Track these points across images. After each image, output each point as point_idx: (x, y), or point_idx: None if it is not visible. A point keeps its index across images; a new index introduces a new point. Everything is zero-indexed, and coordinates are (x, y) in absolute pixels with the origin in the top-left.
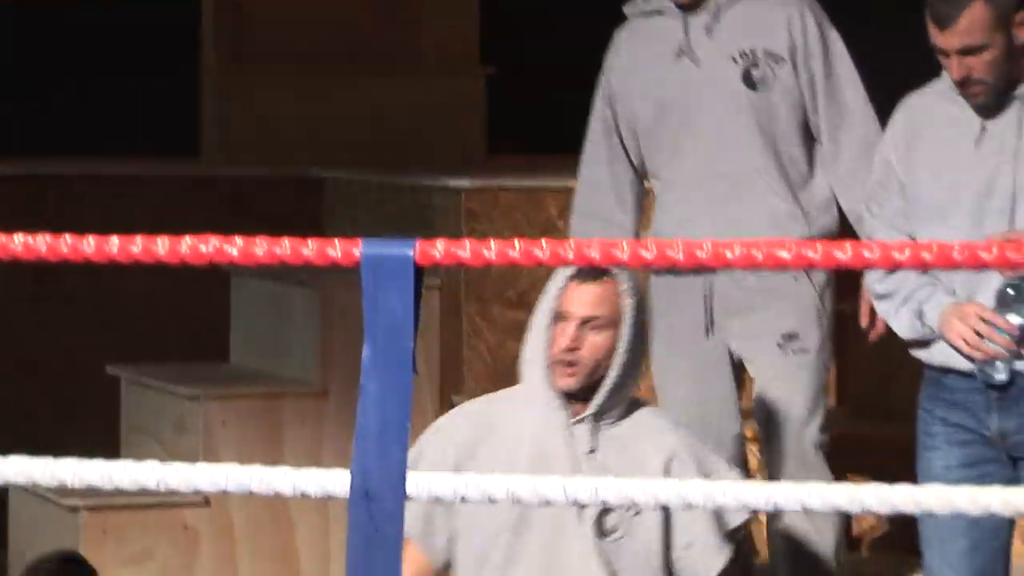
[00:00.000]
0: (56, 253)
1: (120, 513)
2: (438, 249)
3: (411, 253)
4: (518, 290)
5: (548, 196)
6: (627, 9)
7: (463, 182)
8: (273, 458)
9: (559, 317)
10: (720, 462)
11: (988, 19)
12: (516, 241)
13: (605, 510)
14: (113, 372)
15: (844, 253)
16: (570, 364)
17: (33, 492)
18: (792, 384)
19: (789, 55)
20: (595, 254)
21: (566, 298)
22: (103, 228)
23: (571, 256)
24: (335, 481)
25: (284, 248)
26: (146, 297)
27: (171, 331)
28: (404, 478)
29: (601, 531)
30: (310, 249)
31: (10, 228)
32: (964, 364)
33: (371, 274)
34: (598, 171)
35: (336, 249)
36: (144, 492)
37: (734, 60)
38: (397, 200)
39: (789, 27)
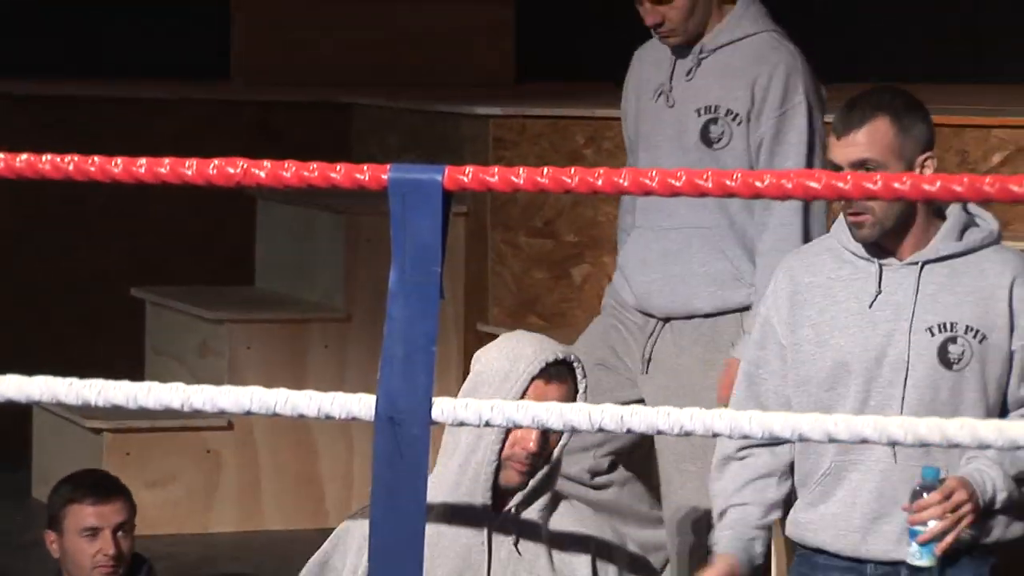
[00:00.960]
0: (84, 173)
1: (143, 436)
2: (466, 174)
3: (439, 178)
4: (544, 218)
5: (575, 125)
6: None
7: (491, 109)
8: (297, 383)
9: None
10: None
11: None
12: (545, 168)
13: None
14: (138, 295)
15: (874, 184)
16: (526, 463)
17: (57, 413)
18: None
19: (746, 113)
20: (625, 182)
21: (533, 397)
22: (131, 150)
23: (600, 183)
24: (360, 405)
25: (312, 172)
26: (172, 221)
27: (196, 255)
28: (430, 403)
29: None
30: (338, 173)
31: (39, 148)
32: (837, 545)
33: (399, 198)
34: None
35: (364, 173)
36: (168, 414)
37: (698, 113)
38: (424, 127)
39: (755, 85)
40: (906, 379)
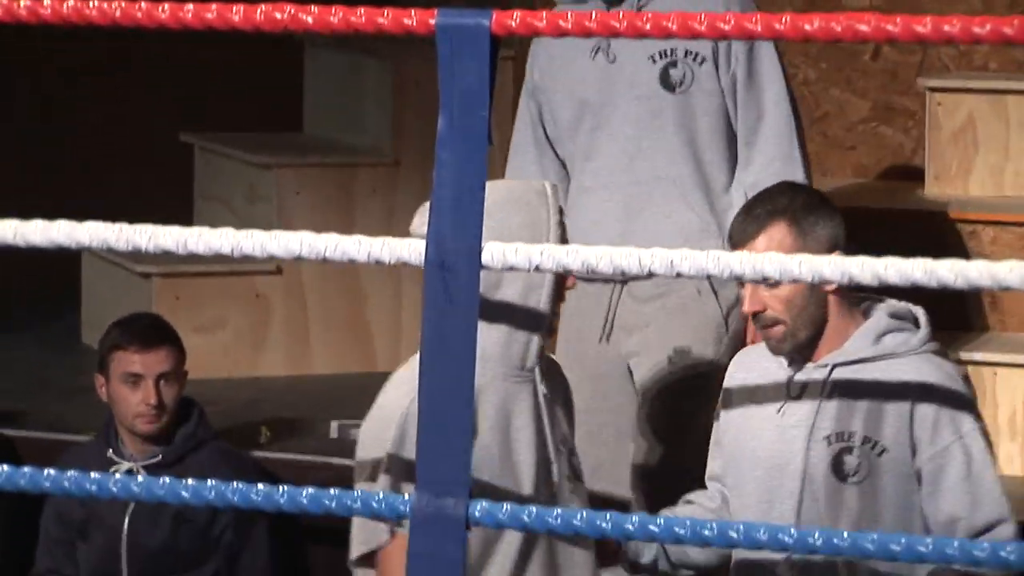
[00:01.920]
0: (131, 19)
1: (192, 280)
2: (514, 19)
3: (487, 23)
4: None
5: None
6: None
7: None
8: (345, 228)
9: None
10: None
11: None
12: (593, 12)
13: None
14: (186, 140)
15: (924, 27)
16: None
17: (106, 259)
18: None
19: (711, 54)
20: (674, 27)
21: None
22: None
23: (648, 27)
24: (410, 250)
25: (359, 17)
26: (220, 66)
27: (245, 100)
28: (480, 248)
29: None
30: (385, 18)
31: None
32: None
33: (447, 43)
34: (526, 163)
35: (412, 18)
36: (217, 258)
37: (652, 60)
38: None
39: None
40: (802, 490)
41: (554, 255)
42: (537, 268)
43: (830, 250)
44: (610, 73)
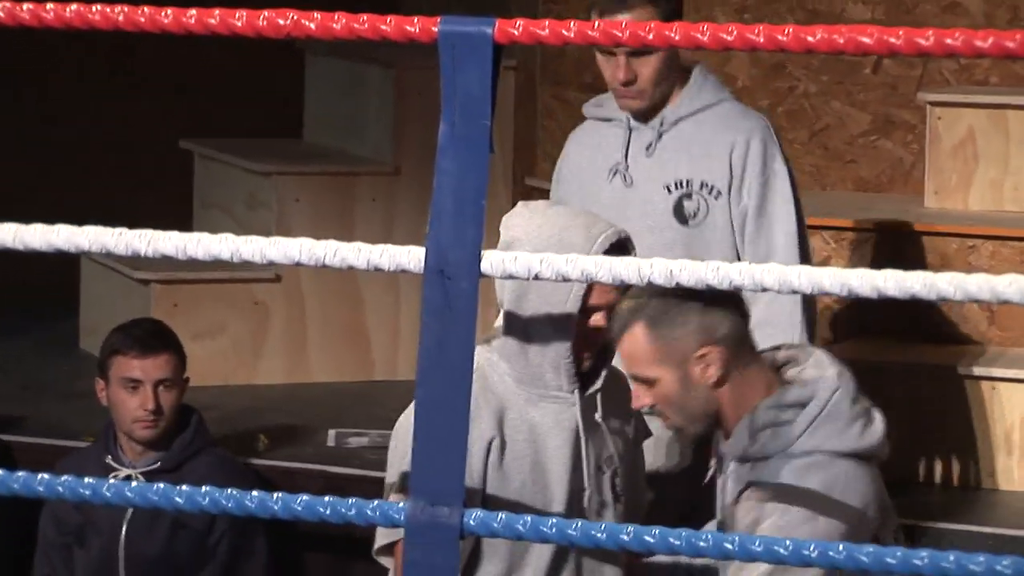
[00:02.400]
0: (134, 24)
1: (191, 287)
2: (517, 28)
3: (490, 31)
4: (594, 73)
5: None
6: (585, 109)
7: None
8: (345, 236)
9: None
10: None
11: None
12: (596, 21)
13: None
14: (187, 146)
15: (927, 40)
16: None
17: (105, 264)
18: None
19: (727, 186)
20: (676, 36)
21: (595, 297)
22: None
23: (651, 37)
24: (410, 257)
25: (362, 24)
26: (221, 73)
27: (245, 107)
28: (479, 256)
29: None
30: (388, 25)
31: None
32: None
33: (449, 51)
34: None
35: (415, 26)
36: (216, 265)
37: (667, 189)
38: None
39: (731, 156)
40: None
41: (553, 264)
42: (536, 276)
43: (701, 345)
44: (626, 197)
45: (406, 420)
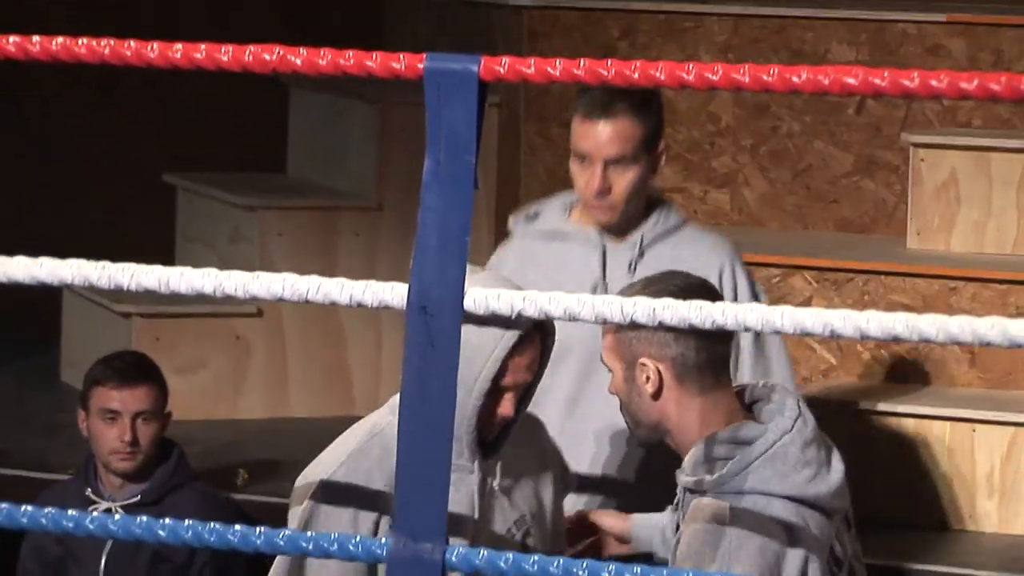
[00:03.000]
0: (120, 57)
1: (173, 321)
2: (503, 65)
3: (476, 68)
4: None
5: (608, 17)
6: (519, 224)
7: (524, 0)
8: (327, 271)
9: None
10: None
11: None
12: (581, 60)
13: None
14: (170, 180)
15: (911, 82)
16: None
17: (87, 297)
18: None
19: None
20: (662, 76)
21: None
22: (156, 31)
23: (636, 76)
24: (393, 294)
25: (348, 60)
26: (205, 106)
27: (228, 141)
28: (462, 293)
29: None
30: (374, 61)
31: (73, 32)
32: None
33: (435, 88)
34: None
35: (400, 62)
36: (197, 300)
37: None
38: (457, 17)
39: (721, 280)
40: None
41: (536, 302)
42: (519, 315)
43: (648, 355)
44: None
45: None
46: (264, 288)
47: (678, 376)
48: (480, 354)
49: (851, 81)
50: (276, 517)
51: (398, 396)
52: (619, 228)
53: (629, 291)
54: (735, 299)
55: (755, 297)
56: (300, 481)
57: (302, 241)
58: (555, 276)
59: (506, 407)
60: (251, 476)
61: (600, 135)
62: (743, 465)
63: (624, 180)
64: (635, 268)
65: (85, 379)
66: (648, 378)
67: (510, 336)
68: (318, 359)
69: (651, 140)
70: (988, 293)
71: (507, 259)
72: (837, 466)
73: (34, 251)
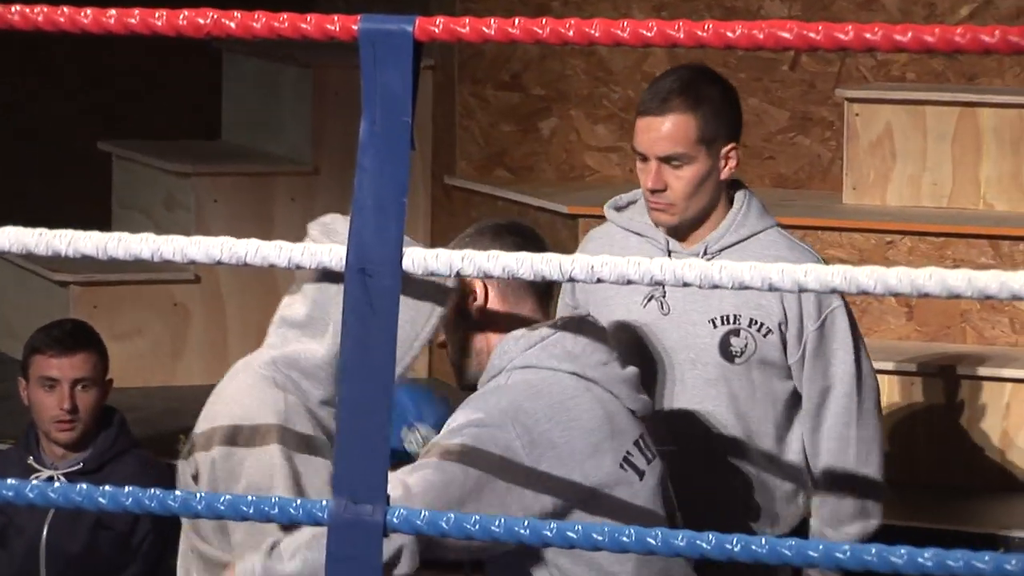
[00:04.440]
0: (53, 24)
1: (110, 289)
2: (437, 25)
3: (410, 29)
4: (511, 71)
5: None
6: (608, 210)
7: None
8: (264, 236)
9: None
10: None
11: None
12: (516, 19)
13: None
14: (104, 148)
15: (846, 35)
16: None
17: (23, 266)
18: None
19: (778, 325)
20: (596, 33)
21: None
22: None
23: (571, 34)
24: (331, 256)
25: (282, 23)
26: (138, 73)
27: (162, 108)
28: (400, 254)
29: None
30: (309, 24)
31: None
32: None
33: (370, 49)
34: None
35: (335, 24)
36: (135, 267)
37: (712, 323)
38: None
39: (783, 294)
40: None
41: (475, 261)
42: (458, 274)
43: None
44: (663, 326)
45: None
46: (202, 252)
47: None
48: (421, 314)
49: (786, 35)
50: None
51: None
52: (686, 230)
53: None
54: (799, 315)
55: (823, 312)
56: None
57: (238, 207)
58: None
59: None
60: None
61: (652, 132)
62: (523, 348)
63: (680, 180)
64: None
65: (25, 347)
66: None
67: (449, 295)
68: (256, 324)
69: (712, 137)
70: (925, 246)
71: (592, 241)
72: (632, 369)
73: None
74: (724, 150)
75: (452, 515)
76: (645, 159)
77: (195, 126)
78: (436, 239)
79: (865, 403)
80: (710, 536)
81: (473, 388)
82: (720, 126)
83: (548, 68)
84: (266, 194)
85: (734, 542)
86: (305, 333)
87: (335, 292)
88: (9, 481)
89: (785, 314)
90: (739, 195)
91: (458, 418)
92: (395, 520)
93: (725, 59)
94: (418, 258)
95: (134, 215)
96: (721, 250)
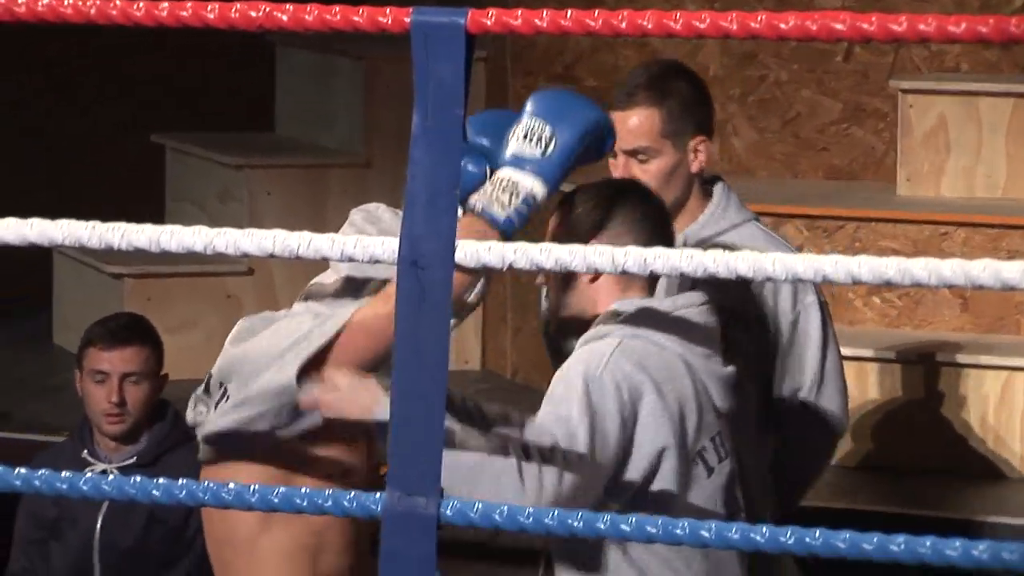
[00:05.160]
0: (106, 17)
1: (164, 281)
2: (489, 17)
3: (462, 21)
4: (564, 63)
5: None
6: None
7: None
8: (317, 228)
9: None
10: None
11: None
12: (568, 10)
13: None
14: (158, 141)
15: (900, 26)
16: None
17: (78, 259)
18: None
19: (757, 319)
20: (649, 25)
21: None
22: None
23: (624, 26)
24: (383, 248)
25: (334, 15)
26: (191, 67)
27: (216, 101)
28: (453, 246)
29: None
30: (360, 16)
31: None
32: None
33: (422, 42)
34: None
35: (387, 16)
36: (188, 259)
37: None
38: None
39: (761, 287)
40: None
41: (528, 253)
42: (511, 266)
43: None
44: None
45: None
46: (255, 245)
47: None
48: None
49: (839, 27)
50: None
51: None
52: None
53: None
54: (775, 307)
55: (796, 309)
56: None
57: (291, 200)
58: None
59: None
60: None
61: (618, 126)
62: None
63: (647, 174)
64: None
65: (81, 340)
66: None
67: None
68: None
69: (678, 131)
70: (979, 238)
71: None
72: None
73: (24, 215)
74: (692, 143)
75: (506, 507)
76: (615, 154)
77: (248, 119)
78: None
79: (823, 403)
80: (764, 529)
81: (559, 340)
82: (687, 120)
83: (600, 60)
84: (319, 187)
85: (788, 535)
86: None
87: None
88: (63, 474)
89: (761, 305)
90: (717, 188)
91: (566, 385)
92: (448, 512)
93: (778, 50)
94: (470, 251)
95: (187, 208)
96: (699, 242)
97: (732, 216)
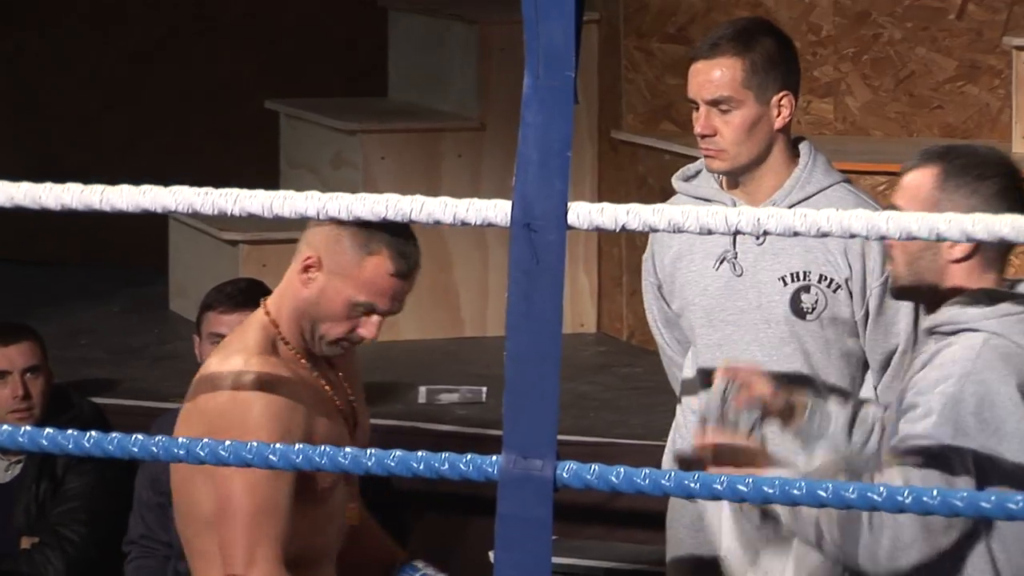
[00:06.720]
0: None
1: (279, 247)
2: None
3: None
4: (677, 24)
5: None
6: (676, 181)
7: None
8: (431, 192)
9: None
10: None
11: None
12: None
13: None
14: (272, 107)
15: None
16: None
17: (193, 226)
18: None
19: (845, 281)
20: None
21: None
22: None
23: None
24: (496, 211)
25: None
26: (306, 32)
27: (330, 66)
28: (566, 208)
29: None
30: None
31: None
32: None
33: (532, 4)
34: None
35: None
36: (303, 224)
37: (783, 281)
38: None
39: (847, 250)
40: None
41: (640, 215)
42: (623, 228)
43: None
44: (735, 288)
45: None
46: (368, 209)
47: None
48: None
49: None
50: (388, 438)
51: None
52: (745, 181)
53: None
54: (862, 270)
55: (887, 270)
56: None
57: (405, 164)
58: (693, 241)
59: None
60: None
61: (700, 76)
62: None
63: (728, 126)
64: (765, 238)
65: (200, 305)
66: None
67: None
68: (424, 281)
69: (761, 84)
70: None
71: (656, 252)
72: None
73: (139, 181)
74: (775, 98)
75: (622, 469)
76: (697, 106)
77: (362, 84)
78: (603, 194)
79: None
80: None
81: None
82: (771, 74)
83: (713, 20)
84: (433, 150)
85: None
86: None
87: None
88: (180, 440)
89: (851, 270)
90: (804, 149)
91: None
92: (565, 475)
93: (892, 8)
94: (583, 212)
95: (302, 173)
96: (790, 207)
97: (820, 179)
